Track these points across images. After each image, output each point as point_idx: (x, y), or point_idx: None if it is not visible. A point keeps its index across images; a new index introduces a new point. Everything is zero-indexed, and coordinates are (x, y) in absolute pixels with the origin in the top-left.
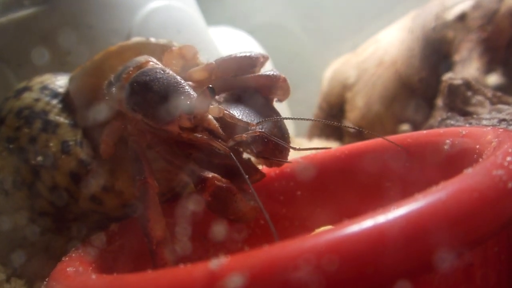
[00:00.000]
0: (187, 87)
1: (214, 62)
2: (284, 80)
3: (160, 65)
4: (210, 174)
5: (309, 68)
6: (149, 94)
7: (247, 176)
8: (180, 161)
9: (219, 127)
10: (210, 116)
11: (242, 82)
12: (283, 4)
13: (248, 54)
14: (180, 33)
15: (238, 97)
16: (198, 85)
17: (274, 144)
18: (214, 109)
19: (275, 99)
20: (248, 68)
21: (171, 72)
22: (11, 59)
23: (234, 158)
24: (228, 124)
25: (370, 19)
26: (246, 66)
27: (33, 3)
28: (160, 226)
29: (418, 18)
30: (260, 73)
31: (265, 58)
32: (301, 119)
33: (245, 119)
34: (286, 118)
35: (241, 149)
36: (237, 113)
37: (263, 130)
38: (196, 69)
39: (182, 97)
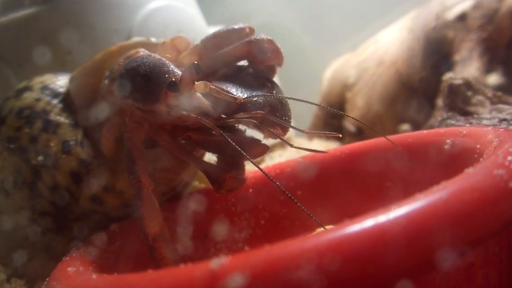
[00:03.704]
0: (171, 66)
1: (200, 43)
2: (270, 41)
3: (148, 52)
4: (228, 174)
5: (309, 68)
6: (136, 77)
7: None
8: (184, 153)
9: (208, 105)
10: (198, 94)
11: (230, 56)
12: (283, 4)
13: (233, 27)
14: (180, 33)
15: (231, 73)
16: None
17: (275, 122)
18: (200, 85)
19: (276, 66)
20: (235, 41)
21: (157, 56)
22: (11, 59)
23: (227, 136)
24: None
25: (370, 19)
26: (233, 40)
27: (34, 3)
28: (156, 223)
29: (418, 18)
30: (243, 41)
31: (251, 30)
32: (293, 98)
33: (233, 94)
34: (278, 96)
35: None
36: (228, 88)
37: (257, 102)
38: (185, 54)
39: (167, 76)
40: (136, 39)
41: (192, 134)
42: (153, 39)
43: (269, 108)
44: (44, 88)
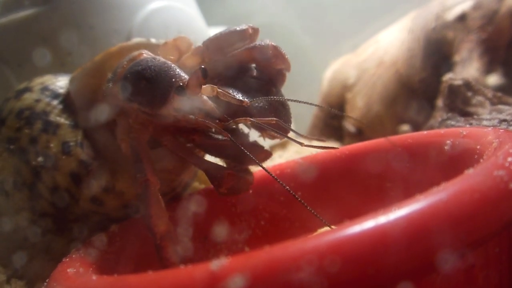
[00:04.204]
0: (178, 70)
1: (202, 44)
2: (274, 47)
3: (152, 55)
4: (226, 171)
5: (309, 68)
6: (142, 81)
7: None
8: (186, 153)
9: (214, 107)
10: (204, 97)
11: (233, 61)
12: (283, 5)
13: (235, 29)
14: (180, 34)
15: (235, 76)
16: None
17: (281, 126)
18: (207, 89)
19: (284, 71)
20: (238, 42)
21: (162, 59)
22: (11, 60)
23: (233, 140)
24: (231, 105)
25: (370, 20)
26: (235, 41)
27: (34, 4)
28: (163, 222)
29: (418, 19)
30: (248, 46)
31: (255, 30)
32: (296, 101)
33: (240, 97)
34: (282, 99)
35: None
36: (233, 91)
37: (261, 106)
38: (187, 55)
39: (173, 80)
40: (136, 40)
41: (197, 137)
42: (153, 40)
43: (273, 112)
44: (44, 89)
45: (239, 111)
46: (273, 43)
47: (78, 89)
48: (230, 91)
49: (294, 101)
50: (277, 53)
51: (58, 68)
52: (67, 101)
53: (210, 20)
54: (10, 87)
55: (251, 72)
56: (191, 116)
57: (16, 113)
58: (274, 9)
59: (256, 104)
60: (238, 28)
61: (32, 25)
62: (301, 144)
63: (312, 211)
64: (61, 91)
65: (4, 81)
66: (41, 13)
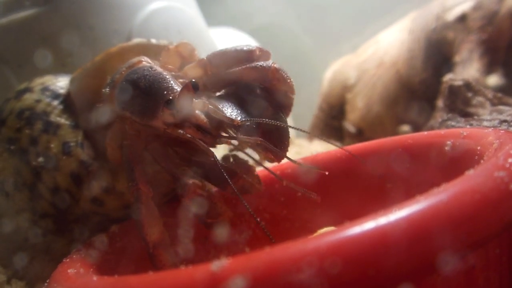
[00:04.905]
0: (171, 83)
1: (205, 58)
2: (276, 70)
3: (150, 63)
4: (191, 181)
5: (309, 68)
6: (135, 91)
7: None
8: (167, 162)
9: (206, 122)
10: (197, 111)
11: (235, 77)
12: (284, 5)
13: (242, 48)
14: (180, 34)
15: (236, 93)
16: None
17: (271, 149)
18: (198, 103)
19: (289, 94)
20: (244, 62)
21: (158, 69)
22: (11, 60)
23: (218, 160)
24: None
25: (370, 20)
26: (241, 60)
27: (34, 4)
28: (155, 230)
29: (419, 19)
30: (249, 65)
31: (263, 52)
32: (289, 126)
33: (231, 116)
34: (273, 122)
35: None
36: (227, 109)
37: (252, 126)
38: (190, 66)
39: (165, 92)
40: (136, 40)
41: (183, 151)
42: (153, 40)
43: (262, 134)
44: (45, 89)
45: (231, 130)
46: (275, 65)
47: (79, 89)
48: (225, 108)
49: (290, 127)
50: (278, 76)
51: (58, 68)
52: (67, 102)
53: (210, 20)
54: (10, 88)
55: (251, 91)
56: (180, 131)
57: (16, 113)
58: (274, 10)
59: (248, 124)
60: (245, 48)
61: (32, 26)
62: (281, 180)
63: (263, 226)
64: (62, 91)
65: (4, 82)
66: (42, 14)
